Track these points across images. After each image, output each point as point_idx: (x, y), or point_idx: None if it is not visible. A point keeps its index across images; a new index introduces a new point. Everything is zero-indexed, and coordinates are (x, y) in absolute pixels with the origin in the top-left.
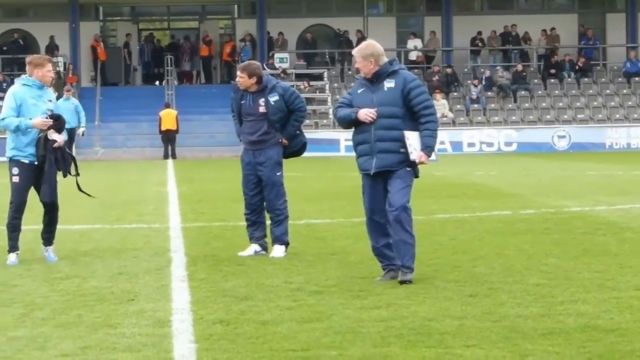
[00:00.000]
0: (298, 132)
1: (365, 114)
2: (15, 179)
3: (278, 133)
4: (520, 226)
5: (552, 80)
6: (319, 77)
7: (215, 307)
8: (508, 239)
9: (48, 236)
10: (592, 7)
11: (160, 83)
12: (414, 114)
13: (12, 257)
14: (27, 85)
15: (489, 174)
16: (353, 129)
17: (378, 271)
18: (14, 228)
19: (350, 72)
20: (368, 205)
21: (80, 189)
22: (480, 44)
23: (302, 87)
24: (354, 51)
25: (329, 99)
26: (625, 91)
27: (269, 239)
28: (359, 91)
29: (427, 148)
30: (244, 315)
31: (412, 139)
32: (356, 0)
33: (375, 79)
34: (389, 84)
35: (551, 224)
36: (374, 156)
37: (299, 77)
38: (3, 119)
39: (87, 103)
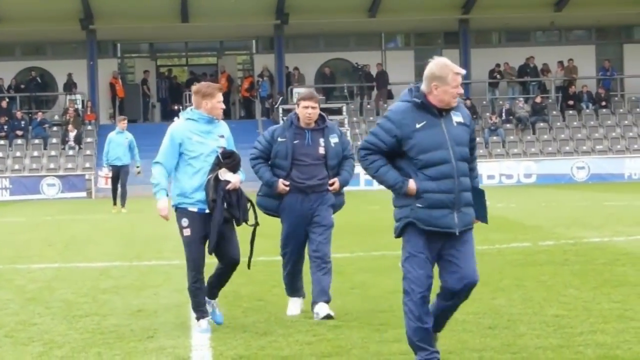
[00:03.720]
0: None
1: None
2: (187, 232)
3: None
4: (539, 257)
5: (571, 112)
6: (338, 112)
7: (235, 343)
8: (527, 270)
9: (216, 290)
10: (610, 37)
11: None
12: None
13: (204, 324)
14: (192, 119)
15: (508, 205)
16: (412, 175)
17: (398, 304)
18: (196, 292)
19: (369, 107)
20: (425, 280)
21: (252, 242)
22: (498, 76)
23: None
24: (457, 68)
25: (349, 133)
26: None
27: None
28: (418, 125)
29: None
30: (263, 350)
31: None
32: (374, 34)
33: (445, 111)
34: (456, 117)
35: (570, 255)
36: (458, 210)
37: None
38: (156, 162)
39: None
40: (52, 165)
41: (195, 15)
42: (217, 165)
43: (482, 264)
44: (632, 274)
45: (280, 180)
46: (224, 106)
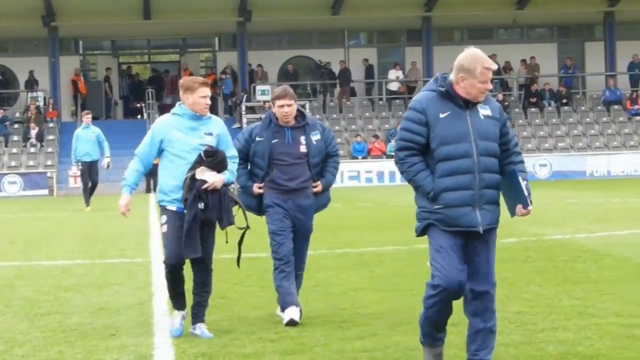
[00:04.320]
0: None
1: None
2: (164, 228)
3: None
4: (501, 255)
5: (533, 109)
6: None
7: (198, 341)
8: None
9: (196, 310)
10: (571, 36)
11: (142, 117)
12: (503, 152)
13: (177, 318)
14: (177, 114)
15: None
16: (426, 171)
17: (361, 302)
18: (170, 280)
19: (332, 104)
20: (456, 274)
21: (239, 244)
22: None
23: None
24: (489, 62)
25: None
26: (604, 119)
27: None
28: (442, 115)
29: (530, 195)
30: (226, 348)
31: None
32: (337, 32)
33: (472, 103)
34: (484, 110)
35: (532, 252)
36: (480, 208)
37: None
38: (135, 154)
39: (69, 138)
40: (13, 163)
41: (158, 13)
42: (197, 163)
43: None
44: (593, 270)
45: (255, 185)
46: (208, 102)
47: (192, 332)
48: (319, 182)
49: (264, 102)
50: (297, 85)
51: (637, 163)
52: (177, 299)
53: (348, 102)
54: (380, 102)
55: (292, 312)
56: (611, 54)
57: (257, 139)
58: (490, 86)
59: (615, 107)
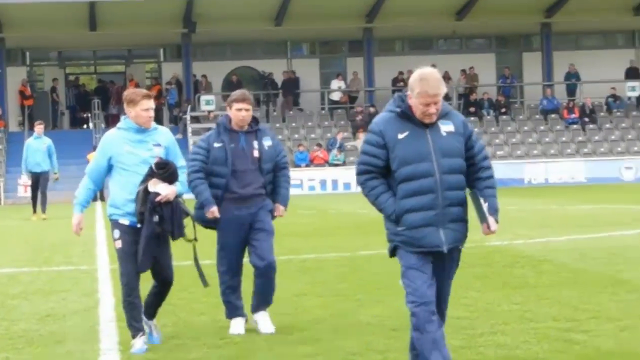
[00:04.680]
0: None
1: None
2: (118, 244)
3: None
4: None
5: (472, 118)
6: None
7: (143, 347)
8: None
9: (150, 310)
10: (509, 46)
11: (88, 126)
12: (469, 167)
13: (138, 344)
14: (123, 128)
15: None
16: (385, 191)
17: (303, 307)
18: (129, 307)
19: (275, 114)
20: (427, 291)
21: (197, 261)
22: (402, 83)
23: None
24: (429, 86)
25: None
26: (542, 128)
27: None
28: (401, 136)
29: (496, 213)
30: (171, 353)
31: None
32: (280, 43)
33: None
34: (446, 126)
35: (472, 258)
36: (445, 227)
37: None
38: (86, 172)
39: (16, 148)
40: None
41: (103, 24)
42: (149, 175)
43: (387, 267)
44: (531, 275)
45: (213, 209)
46: (151, 114)
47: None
48: (278, 205)
49: (209, 112)
50: None
51: (574, 171)
52: (137, 323)
53: (291, 112)
54: (323, 111)
55: (237, 324)
56: (548, 64)
57: (216, 144)
58: (432, 111)
59: (553, 116)
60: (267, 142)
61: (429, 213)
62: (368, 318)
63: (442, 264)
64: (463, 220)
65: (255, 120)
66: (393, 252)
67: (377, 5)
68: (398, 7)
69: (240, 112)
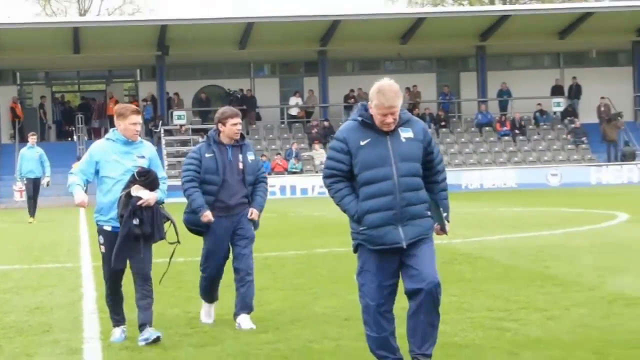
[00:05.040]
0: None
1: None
2: (102, 249)
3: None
4: None
5: None
6: None
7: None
8: None
9: (143, 316)
10: (448, 67)
11: (73, 139)
12: (426, 170)
13: (117, 333)
14: (111, 140)
15: None
16: (347, 196)
17: (265, 300)
18: (110, 304)
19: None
20: (377, 292)
21: (170, 259)
22: (352, 100)
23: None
24: (385, 99)
25: None
26: (477, 139)
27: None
28: (362, 143)
29: (448, 210)
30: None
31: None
32: (244, 64)
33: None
34: (405, 133)
35: None
36: (403, 224)
37: (195, 132)
38: (71, 173)
39: (8, 158)
40: None
41: (86, 47)
42: (131, 182)
43: (340, 264)
44: (467, 271)
45: (207, 213)
46: (138, 129)
47: (141, 340)
48: (253, 210)
49: (180, 125)
50: (209, 110)
51: (506, 177)
52: (117, 315)
53: (254, 126)
54: (282, 125)
55: (208, 310)
56: (483, 82)
57: (207, 155)
58: (389, 120)
59: (487, 129)
60: (250, 156)
61: (388, 213)
62: (323, 309)
63: (410, 252)
64: (423, 216)
65: (241, 136)
66: (356, 249)
67: (330, 31)
68: (349, 32)
69: (235, 126)
